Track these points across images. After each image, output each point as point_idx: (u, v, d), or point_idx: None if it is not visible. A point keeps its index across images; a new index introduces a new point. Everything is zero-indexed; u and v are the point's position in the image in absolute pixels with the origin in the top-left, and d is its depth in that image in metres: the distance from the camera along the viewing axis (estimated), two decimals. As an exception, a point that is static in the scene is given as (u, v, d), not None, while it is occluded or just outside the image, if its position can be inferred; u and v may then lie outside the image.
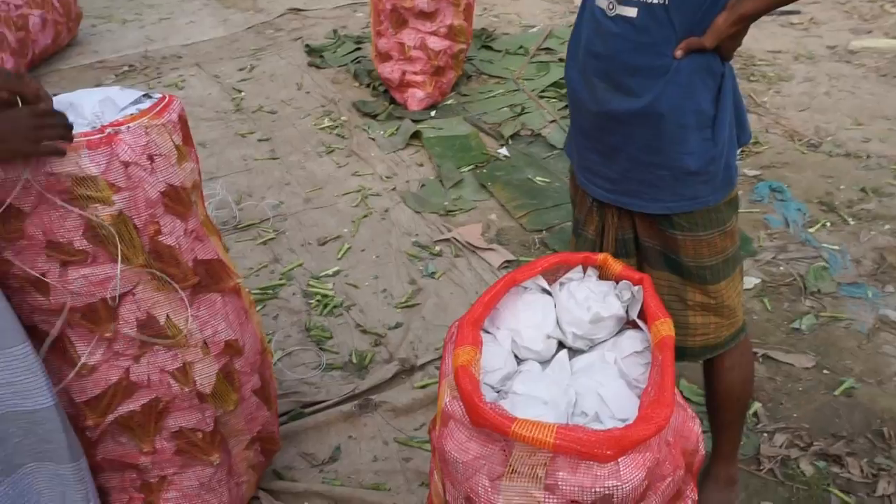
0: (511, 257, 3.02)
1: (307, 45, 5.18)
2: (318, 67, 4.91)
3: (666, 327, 1.41)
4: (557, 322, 1.57)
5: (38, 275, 1.62)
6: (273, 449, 2.05)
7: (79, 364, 1.69)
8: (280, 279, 2.97)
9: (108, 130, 1.65)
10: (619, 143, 1.66)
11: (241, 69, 4.97)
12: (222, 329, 1.81)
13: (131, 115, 1.71)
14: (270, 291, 2.90)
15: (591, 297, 1.56)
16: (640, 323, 1.49)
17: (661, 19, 1.52)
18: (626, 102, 1.61)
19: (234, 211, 3.38)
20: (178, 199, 1.75)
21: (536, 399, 1.40)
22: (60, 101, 1.77)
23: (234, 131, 4.16)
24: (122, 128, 1.67)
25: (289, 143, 4.00)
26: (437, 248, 3.10)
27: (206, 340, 1.78)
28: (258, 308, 2.81)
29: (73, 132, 1.61)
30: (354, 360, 2.55)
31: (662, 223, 1.70)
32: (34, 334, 1.69)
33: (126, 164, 1.64)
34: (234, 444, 1.89)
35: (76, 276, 1.63)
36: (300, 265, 3.05)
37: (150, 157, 1.69)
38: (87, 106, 1.74)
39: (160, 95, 1.82)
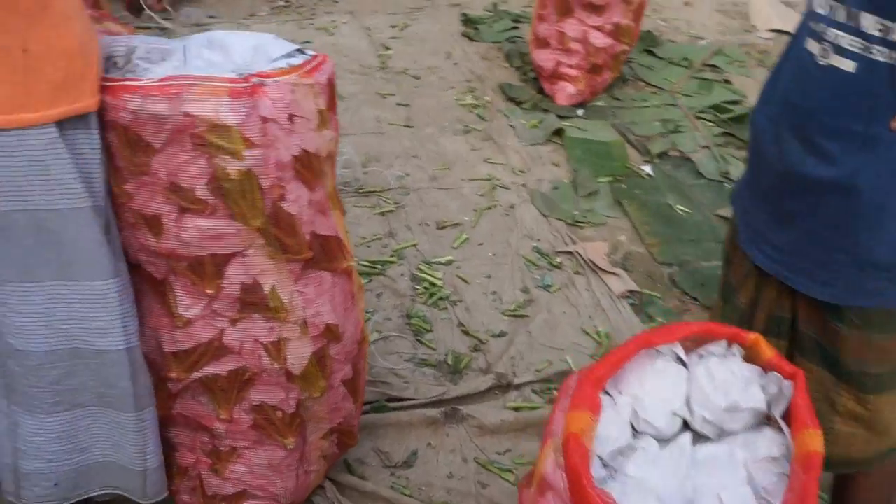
0: (634, 287, 2.80)
1: (464, 14, 5.02)
2: (470, 39, 4.74)
3: (815, 441, 1.21)
4: (687, 400, 1.38)
5: (154, 213, 1.53)
6: (350, 443, 1.93)
7: (175, 314, 1.61)
8: (391, 256, 2.85)
9: (253, 80, 1.53)
10: (799, 211, 1.43)
11: (393, 26, 4.86)
12: (325, 311, 1.69)
13: (280, 68, 1.59)
14: (379, 267, 2.78)
15: (732, 381, 1.37)
16: (782, 424, 1.29)
17: (884, 80, 1.27)
18: (819, 168, 1.37)
19: (359, 174, 3.28)
20: (309, 166, 1.63)
21: (650, 490, 1.22)
22: (213, 39, 1.68)
23: (375, 90, 4.06)
24: (269, 80, 1.55)
25: (426, 114, 3.87)
26: (558, 259, 2.92)
27: (306, 320, 1.66)
28: (365, 282, 2.69)
29: (220, 75, 1.51)
30: (450, 362, 2.40)
31: (829, 313, 1.46)
32: (137, 272, 1.62)
33: (265, 120, 1.53)
34: (311, 431, 1.78)
35: (191, 225, 1.53)
36: (414, 245, 2.92)
37: (291, 118, 1.57)
38: (238, 50, 1.63)
39: (314, 53, 1.70)
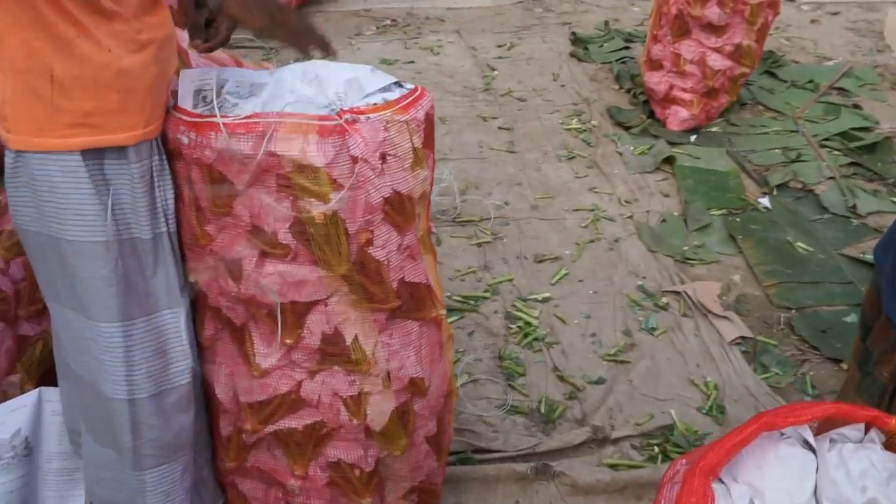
0: (748, 333, 2.58)
1: (573, 33, 4.87)
2: (579, 59, 4.58)
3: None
4: (816, 493, 1.20)
5: (234, 257, 1.46)
6: (432, 503, 1.81)
7: (252, 363, 1.52)
8: (485, 291, 2.72)
9: (345, 117, 1.44)
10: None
11: (499, 45, 4.75)
12: (411, 364, 1.58)
13: (374, 104, 1.49)
14: (472, 302, 2.66)
15: (871, 473, 1.19)
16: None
17: None
18: None
19: (457, 201, 3.17)
20: (401, 209, 1.52)
21: None
22: (308, 71, 1.59)
23: (477, 112, 3.95)
24: (362, 117, 1.45)
25: (530, 138, 3.73)
26: (665, 299, 2.72)
27: (389, 373, 1.56)
28: (455, 318, 2.58)
29: (307, 112, 1.43)
30: (542, 410, 2.26)
31: None
32: (217, 317, 1.55)
33: (354, 160, 1.43)
34: (390, 491, 1.67)
35: (271, 271, 1.45)
36: (510, 280, 2.78)
37: (383, 157, 1.47)
38: (332, 83, 1.54)
39: (412, 87, 1.59)
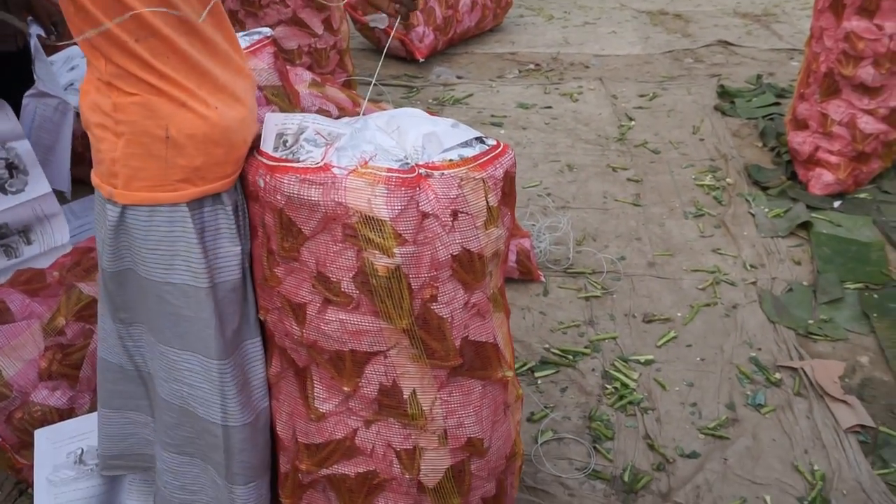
0: (869, 422, 2.37)
1: (721, 86, 4.70)
2: (724, 113, 4.41)
3: None
4: None
5: (299, 301, 1.50)
6: (487, 564, 1.77)
7: (311, 405, 1.56)
8: (585, 347, 2.65)
9: (418, 171, 1.46)
10: None
11: (641, 95, 4.66)
12: (470, 423, 1.56)
13: (451, 160, 1.50)
14: (570, 357, 2.60)
15: None
16: None
17: None
18: None
19: (571, 252, 3.12)
20: (470, 267, 1.52)
21: None
22: (392, 122, 1.62)
23: (607, 162, 3.88)
24: (436, 173, 1.46)
25: (658, 192, 3.63)
26: (778, 374, 2.55)
27: (447, 430, 1.54)
28: (549, 372, 2.53)
29: (382, 163, 1.45)
30: (626, 479, 2.16)
31: None
32: (283, 355, 1.60)
33: (424, 216, 1.44)
34: (442, 548, 1.64)
35: (333, 318, 1.47)
36: (613, 338, 2.70)
37: (454, 214, 1.47)
38: (410, 136, 1.56)
39: (493, 143, 1.58)
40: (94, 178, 1.45)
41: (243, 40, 1.95)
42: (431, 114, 1.71)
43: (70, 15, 1.31)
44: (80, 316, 1.93)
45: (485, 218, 1.51)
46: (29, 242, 2.65)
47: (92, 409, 1.92)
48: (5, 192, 2.57)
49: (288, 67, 2.36)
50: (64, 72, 3.34)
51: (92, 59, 1.35)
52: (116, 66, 1.32)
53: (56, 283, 1.98)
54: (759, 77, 4.84)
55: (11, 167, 2.57)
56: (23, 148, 2.59)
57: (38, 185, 2.63)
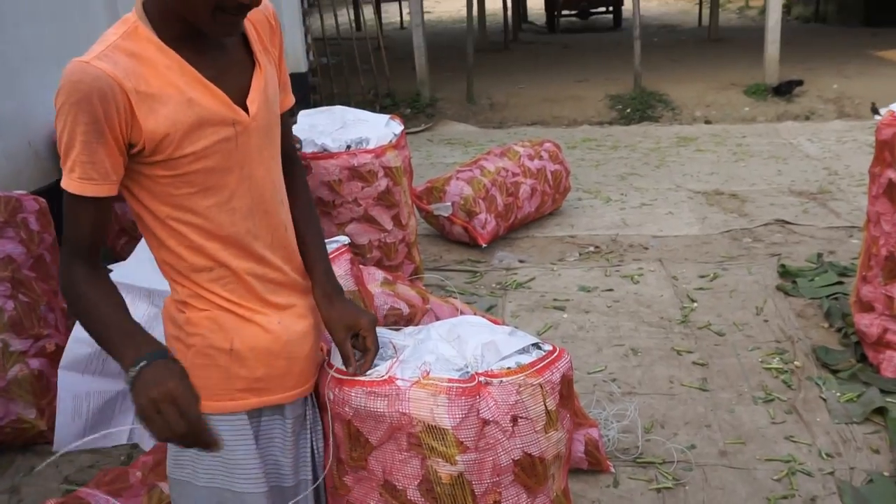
0: None
1: (782, 266, 4.72)
2: (786, 294, 4.41)
3: None
4: None
5: (368, 509, 1.53)
6: None
7: None
8: (658, 544, 2.57)
9: (478, 380, 1.53)
10: None
11: (702, 276, 4.71)
12: None
13: (509, 367, 1.57)
14: (642, 556, 2.52)
15: None
16: None
17: None
18: None
19: (639, 441, 3.09)
20: (532, 471, 1.55)
21: None
22: (452, 329, 1.71)
23: (671, 345, 3.89)
24: (495, 381, 1.53)
25: (725, 376, 3.59)
26: (866, 576, 2.42)
27: None
28: (621, 571, 2.45)
29: (443, 372, 1.53)
30: None
31: None
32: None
33: (485, 423, 1.49)
34: None
35: (401, 527, 1.50)
36: (687, 534, 2.62)
37: (514, 419, 1.52)
38: (471, 345, 1.64)
39: (550, 348, 1.66)
40: None
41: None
42: (492, 321, 1.80)
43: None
44: (162, 514, 1.99)
45: (544, 422, 1.56)
46: None
47: None
48: None
49: (361, 267, 2.51)
50: None
51: (171, 281, 1.48)
52: (190, 289, 1.46)
53: (139, 482, 2.06)
54: (819, 256, 4.86)
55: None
56: None
57: None
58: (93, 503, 1.97)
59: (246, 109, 1.42)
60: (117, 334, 1.34)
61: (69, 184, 1.32)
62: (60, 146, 1.32)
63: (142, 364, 1.28)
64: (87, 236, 1.37)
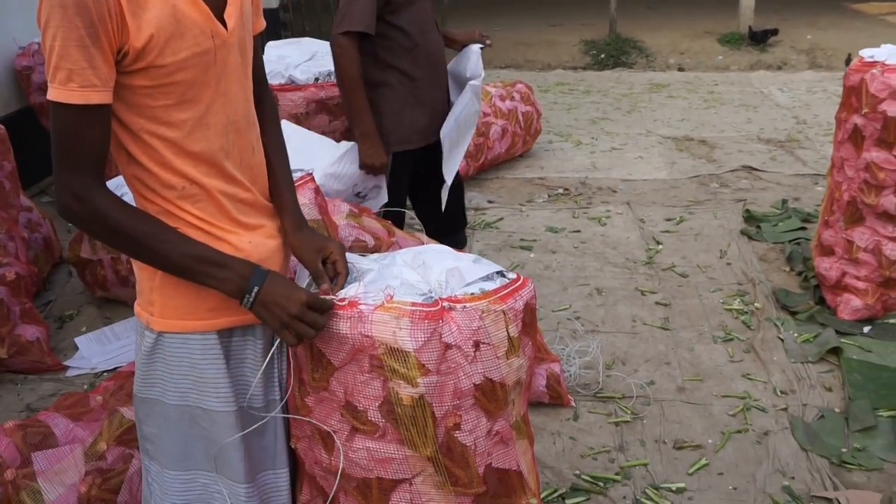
0: (906, 559, 2.31)
1: (747, 211, 4.78)
2: (750, 238, 4.48)
3: None
4: None
5: (328, 430, 1.55)
6: None
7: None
8: (616, 474, 2.64)
9: (441, 305, 1.53)
10: None
11: (668, 219, 4.76)
12: (493, 551, 1.57)
13: (472, 293, 1.58)
14: (600, 484, 2.58)
15: None
16: None
17: None
18: None
19: (600, 377, 3.14)
20: (492, 396, 1.57)
21: None
22: (417, 256, 1.71)
23: (635, 286, 3.94)
24: (458, 306, 1.54)
25: (686, 316, 3.66)
26: (812, 505, 2.51)
27: (470, 559, 1.56)
28: (580, 499, 2.52)
29: (407, 297, 1.53)
30: None
31: None
32: (313, 483, 1.64)
33: (447, 347, 1.51)
34: None
35: (360, 447, 1.53)
36: (644, 465, 2.68)
37: (476, 344, 1.54)
38: (435, 271, 1.65)
39: (514, 276, 1.67)
40: (136, 307, 1.55)
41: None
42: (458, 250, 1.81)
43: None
44: (121, 440, 2.00)
45: (506, 348, 1.58)
46: None
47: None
48: None
49: (327, 199, 2.50)
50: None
51: (140, 198, 1.46)
52: (160, 206, 1.44)
53: (99, 407, 2.06)
54: (784, 202, 4.92)
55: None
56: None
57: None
58: (52, 425, 1.97)
59: (224, 25, 1.41)
60: (196, 263, 1.40)
61: (69, 95, 1.24)
62: (51, 57, 1.23)
63: (255, 287, 1.41)
64: (93, 152, 1.30)
